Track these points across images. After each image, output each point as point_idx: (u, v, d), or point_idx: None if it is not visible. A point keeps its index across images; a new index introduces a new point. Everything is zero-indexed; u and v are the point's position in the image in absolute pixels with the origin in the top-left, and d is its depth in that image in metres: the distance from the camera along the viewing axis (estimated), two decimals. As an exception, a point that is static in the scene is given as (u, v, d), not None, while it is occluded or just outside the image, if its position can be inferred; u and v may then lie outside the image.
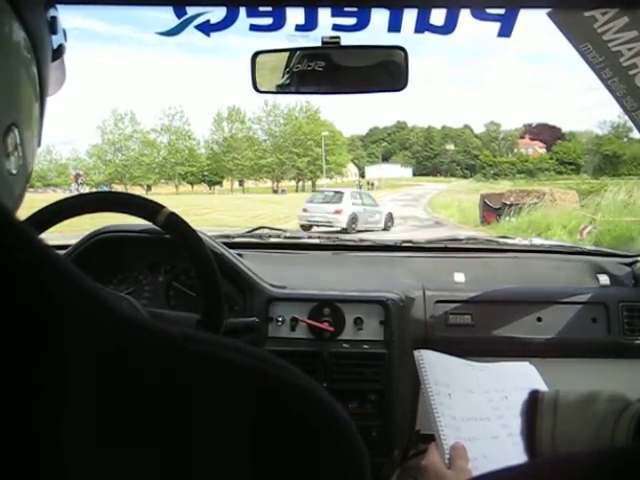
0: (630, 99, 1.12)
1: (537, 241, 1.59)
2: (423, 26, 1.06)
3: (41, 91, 0.41)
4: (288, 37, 1.10)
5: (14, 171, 0.37)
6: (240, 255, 1.31)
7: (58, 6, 0.43)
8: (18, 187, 0.39)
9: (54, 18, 0.42)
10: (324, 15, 1.10)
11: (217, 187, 49.49)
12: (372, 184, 47.20)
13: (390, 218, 14.66)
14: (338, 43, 1.02)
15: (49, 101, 0.44)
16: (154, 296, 1.25)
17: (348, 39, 1.04)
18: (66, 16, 0.44)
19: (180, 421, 0.23)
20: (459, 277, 1.35)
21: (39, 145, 0.43)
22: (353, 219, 13.23)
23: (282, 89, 1.08)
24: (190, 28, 1.12)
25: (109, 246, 1.21)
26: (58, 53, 0.44)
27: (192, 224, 0.95)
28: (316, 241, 1.55)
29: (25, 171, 0.40)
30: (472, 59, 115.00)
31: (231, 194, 41.55)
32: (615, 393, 0.57)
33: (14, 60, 0.36)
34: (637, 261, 1.38)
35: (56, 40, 0.43)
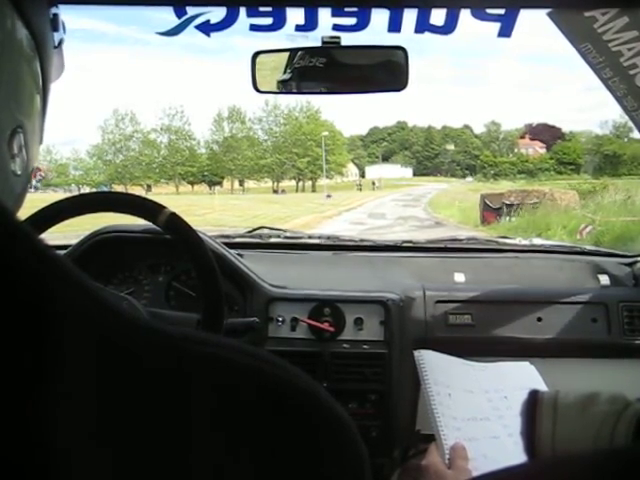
0: (630, 99, 1.12)
1: (537, 241, 1.59)
2: (423, 26, 1.06)
3: (44, 90, 0.41)
4: (288, 37, 1.10)
5: (19, 172, 0.37)
6: (240, 255, 1.31)
7: (62, 6, 0.43)
8: (20, 187, 0.39)
9: (56, 15, 0.42)
10: (324, 15, 1.10)
11: (217, 187, 49.47)
12: (374, 183, 47.35)
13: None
14: (338, 43, 1.02)
15: (50, 99, 0.44)
16: (154, 296, 1.25)
17: (348, 39, 1.04)
18: (72, 17, 0.45)
19: (180, 421, 0.23)
20: (459, 277, 1.35)
21: (41, 143, 0.43)
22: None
23: (282, 89, 1.08)
24: (190, 28, 1.12)
25: (109, 246, 1.21)
26: (57, 46, 0.44)
27: (192, 224, 0.95)
28: (316, 241, 1.55)
29: (27, 171, 0.40)
30: (472, 59, 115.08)
31: (231, 194, 41.59)
32: (615, 394, 0.57)
33: (18, 60, 0.36)
34: (637, 261, 1.38)
35: (57, 36, 0.43)
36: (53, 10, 0.42)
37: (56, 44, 0.43)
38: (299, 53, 1.03)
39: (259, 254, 1.42)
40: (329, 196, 30.27)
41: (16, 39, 0.35)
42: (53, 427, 0.20)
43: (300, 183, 49.84)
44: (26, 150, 0.38)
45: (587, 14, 1.06)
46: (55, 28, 0.42)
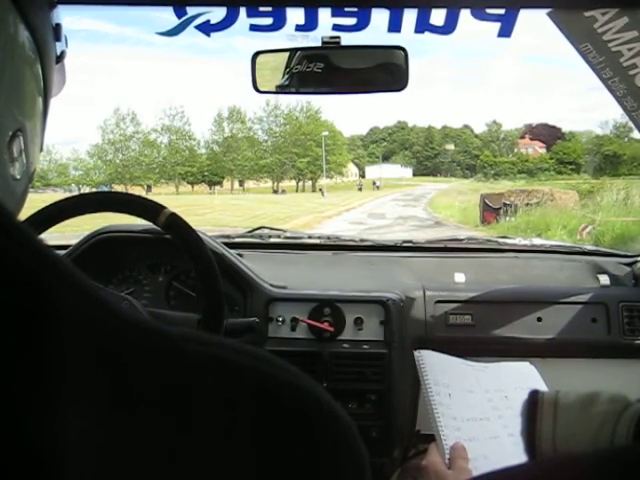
0: (630, 99, 1.12)
1: (537, 241, 1.59)
2: (423, 26, 1.06)
3: (45, 93, 0.41)
4: (288, 37, 1.10)
5: (18, 176, 0.37)
6: (240, 255, 1.31)
7: (64, 7, 0.43)
8: (21, 189, 0.39)
9: (58, 25, 0.42)
10: (324, 15, 1.10)
11: (217, 187, 49.55)
12: (374, 183, 47.39)
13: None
14: (338, 43, 1.02)
15: (51, 102, 0.44)
16: (154, 296, 1.25)
17: (348, 39, 1.04)
18: (75, 18, 0.45)
19: (180, 422, 0.23)
20: (459, 277, 1.35)
21: (41, 150, 0.43)
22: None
23: (282, 89, 1.08)
24: (190, 28, 1.12)
25: (109, 246, 1.21)
26: (60, 58, 0.44)
27: (192, 224, 0.95)
28: (316, 241, 1.55)
29: (28, 174, 0.40)
30: (472, 59, 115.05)
31: (231, 194, 41.63)
32: (615, 394, 0.57)
33: (20, 62, 0.36)
34: (637, 261, 1.38)
35: (59, 47, 0.43)
36: (55, 17, 0.42)
37: (58, 54, 0.43)
38: (297, 57, 1.03)
39: (259, 254, 1.42)
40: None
41: (18, 41, 0.35)
42: (52, 429, 0.20)
43: (300, 183, 49.85)
44: (26, 154, 0.38)
45: (587, 14, 1.06)
46: (58, 38, 0.42)
